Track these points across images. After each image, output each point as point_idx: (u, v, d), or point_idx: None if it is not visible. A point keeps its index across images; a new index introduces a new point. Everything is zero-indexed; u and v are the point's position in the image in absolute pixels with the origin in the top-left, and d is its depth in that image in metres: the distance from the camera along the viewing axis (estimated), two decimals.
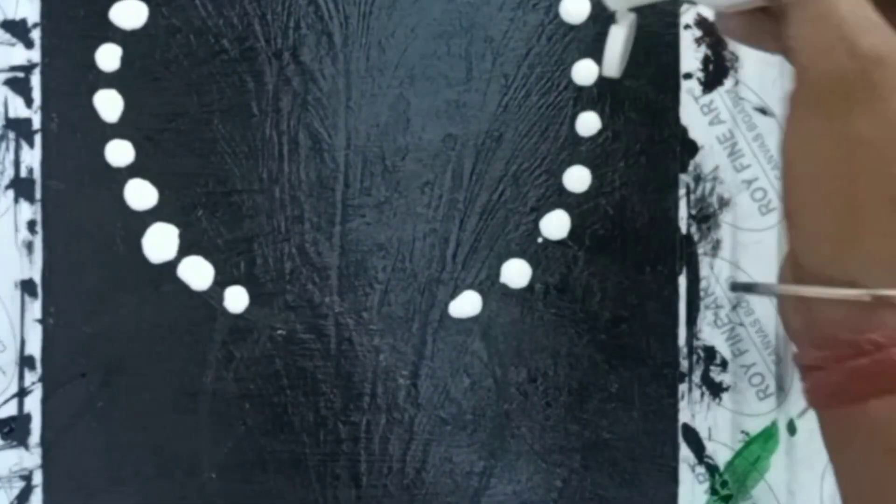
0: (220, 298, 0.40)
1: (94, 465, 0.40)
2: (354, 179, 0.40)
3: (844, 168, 0.25)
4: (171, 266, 0.40)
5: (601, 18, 0.40)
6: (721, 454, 0.40)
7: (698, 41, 0.40)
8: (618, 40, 0.33)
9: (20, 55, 0.40)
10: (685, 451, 0.40)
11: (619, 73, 0.34)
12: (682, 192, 0.40)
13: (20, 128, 0.40)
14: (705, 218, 0.40)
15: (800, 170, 0.27)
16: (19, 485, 0.40)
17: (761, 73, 0.40)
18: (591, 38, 0.40)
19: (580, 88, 0.40)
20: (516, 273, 0.40)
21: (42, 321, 0.40)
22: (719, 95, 0.40)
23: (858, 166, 0.25)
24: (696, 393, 0.40)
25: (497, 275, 0.40)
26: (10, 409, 0.40)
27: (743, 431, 0.40)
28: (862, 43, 0.25)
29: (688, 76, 0.40)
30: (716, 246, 0.40)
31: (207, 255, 0.40)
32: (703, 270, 0.40)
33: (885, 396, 0.25)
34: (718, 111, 0.40)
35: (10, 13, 0.40)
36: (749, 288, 0.30)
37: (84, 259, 0.40)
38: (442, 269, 0.40)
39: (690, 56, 0.40)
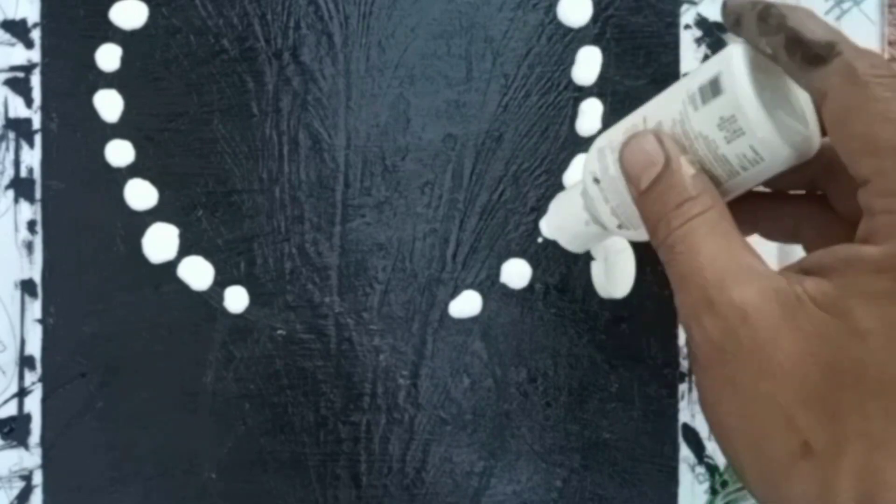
0: (220, 298, 0.40)
1: (94, 465, 0.40)
2: (354, 179, 0.40)
3: (746, 422, 0.25)
4: (171, 266, 0.40)
5: (601, 19, 0.40)
6: (721, 454, 0.40)
7: (698, 41, 0.40)
8: (599, 273, 0.37)
9: (20, 55, 0.40)
10: (685, 451, 0.40)
11: (622, 294, 0.38)
12: None
13: (20, 128, 0.40)
14: None
15: (712, 425, 0.27)
16: (19, 485, 0.40)
17: None
18: (591, 38, 0.40)
19: (580, 88, 0.40)
20: (516, 273, 0.40)
21: (42, 321, 0.40)
22: None
23: (758, 419, 0.25)
24: (696, 393, 0.40)
25: (497, 275, 0.40)
26: (10, 409, 0.40)
27: None
28: (724, 300, 0.25)
29: None
30: None
31: (207, 255, 0.40)
32: None
33: None
34: None
35: (10, 13, 0.40)
36: None
37: (84, 259, 0.40)
38: (442, 269, 0.40)
39: (690, 56, 0.40)
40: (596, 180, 0.30)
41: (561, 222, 0.34)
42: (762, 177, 0.27)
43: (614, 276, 0.36)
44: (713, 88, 0.27)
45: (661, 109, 0.28)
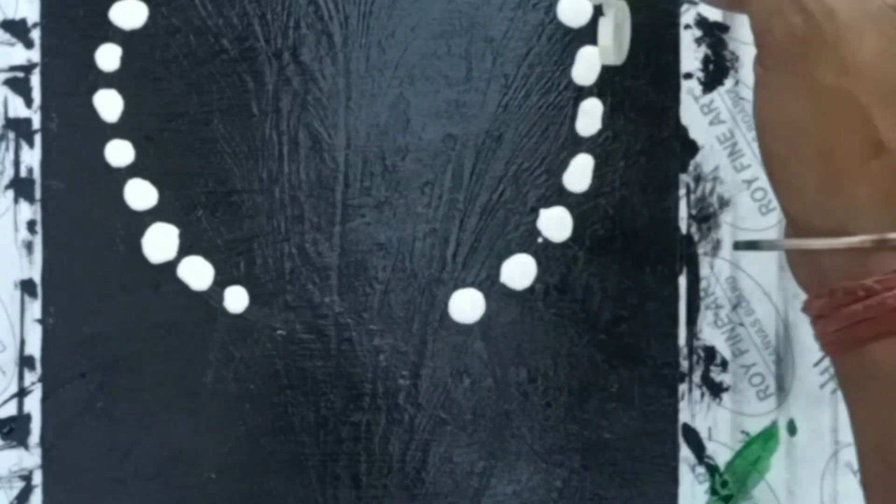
0: (220, 298, 0.40)
1: (94, 465, 0.40)
2: (354, 179, 0.40)
3: (819, 120, 0.26)
4: (171, 266, 0.40)
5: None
6: (721, 454, 0.40)
7: (698, 41, 0.40)
8: (606, 34, 0.34)
9: (20, 55, 0.40)
10: (685, 451, 0.40)
11: (621, 60, 0.35)
12: (682, 192, 0.40)
13: (20, 128, 0.40)
14: (705, 218, 0.40)
15: (774, 129, 0.27)
16: (19, 485, 0.40)
17: None
18: (591, 38, 0.40)
19: (580, 88, 0.40)
20: (520, 270, 0.40)
21: (42, 321, 0.40)
22: (719, 95, 0.40)
23: (832, 116, 0.25)
24: (696, 393, 0.40)
25: (497, 275, 0.40)
26: (10, 409, 0.40)
27: (743, 431, 0.40)
28: None
29: (688, 76, 0.40)
30: (716, 246, 0.40)
31: (207, 255, 0.40)
32: (703, 270, 0.40)
33: (882, 339, 0.25)
34: (718, 111, 0.40)
35: (10, 13, 0.40)
36: (752, 245, 0.30)
37: (84, 259, 0.40)
38: (442, 269, 0.40)
39: (690, 56, 0.40)
40: None
41: None
42: None
43: (621, 40, 0.35)
44: None
45: None
